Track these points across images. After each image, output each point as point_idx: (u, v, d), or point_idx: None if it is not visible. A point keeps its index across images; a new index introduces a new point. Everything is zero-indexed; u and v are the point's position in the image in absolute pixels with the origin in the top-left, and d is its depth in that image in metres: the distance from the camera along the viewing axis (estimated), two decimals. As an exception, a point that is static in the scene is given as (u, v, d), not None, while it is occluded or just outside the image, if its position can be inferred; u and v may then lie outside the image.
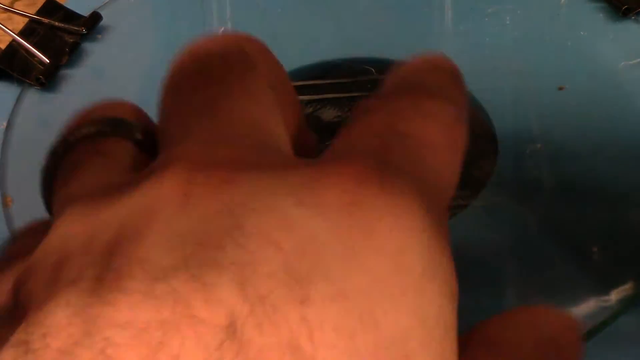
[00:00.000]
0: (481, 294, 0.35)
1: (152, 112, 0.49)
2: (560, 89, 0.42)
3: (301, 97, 0.44)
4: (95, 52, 0.47)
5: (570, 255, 0.36)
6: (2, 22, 0.46)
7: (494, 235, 0.37)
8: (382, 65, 0.45)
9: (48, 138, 0.46)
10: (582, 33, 0.45)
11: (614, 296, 0.34)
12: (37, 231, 0.17)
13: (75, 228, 0.15)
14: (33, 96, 0.45)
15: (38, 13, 0.48)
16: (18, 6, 0.50)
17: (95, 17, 0.48)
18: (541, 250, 0.36)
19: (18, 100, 0.44)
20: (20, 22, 0.48)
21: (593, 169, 0.39)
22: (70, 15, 0.48)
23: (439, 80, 0.19)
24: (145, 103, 0.49)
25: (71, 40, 0.47)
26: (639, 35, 0.44)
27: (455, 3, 0.47)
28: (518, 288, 0.35)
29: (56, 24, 0.47)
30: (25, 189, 0.41)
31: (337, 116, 0.43)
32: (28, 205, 0.40)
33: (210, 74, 0.18)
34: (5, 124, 0.43)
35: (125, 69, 0.46)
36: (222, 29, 0.47)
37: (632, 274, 0.35)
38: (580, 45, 0.44)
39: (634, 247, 0.36)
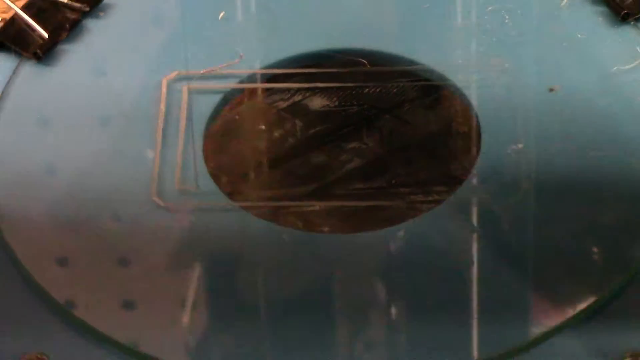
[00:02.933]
0: (446, 293, 0.35)
1: (152, 100, 0.48)
2: (551, 90, 0.42)
3: (291, 85, 0.44)
4: (95, 30, 0.47)
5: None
6: (6, -4, 0.47)
7: (466, 233, 0.37)
8: (376, 58, 0.45)
9: (40, 109, 0.46)
10: (579, 35, 0.44)
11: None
12: None
13: None
14: (29, 69, 0.45)
15: (42, -12, 0.48)
16: (24, -19, 0.51)
17: (99, -6, 0.48)
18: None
19: (14, 72, 0.45)
20: (24, -4, 0.48)
21: (575, 170, 0.38)
22: (73, -8, 0.48)
23: None
24: (145, 86, 0.48)
25: (72, 16, 0.47)
26: (635, 40, 0.43)
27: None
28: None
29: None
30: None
31: (325, 105, 0.42)
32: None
33: None
34: (-1, 94, 0.44)
35: (124, 51, 0.47)
36: (222, 13, 0.47)
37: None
38: (576, 47, 0.44)
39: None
